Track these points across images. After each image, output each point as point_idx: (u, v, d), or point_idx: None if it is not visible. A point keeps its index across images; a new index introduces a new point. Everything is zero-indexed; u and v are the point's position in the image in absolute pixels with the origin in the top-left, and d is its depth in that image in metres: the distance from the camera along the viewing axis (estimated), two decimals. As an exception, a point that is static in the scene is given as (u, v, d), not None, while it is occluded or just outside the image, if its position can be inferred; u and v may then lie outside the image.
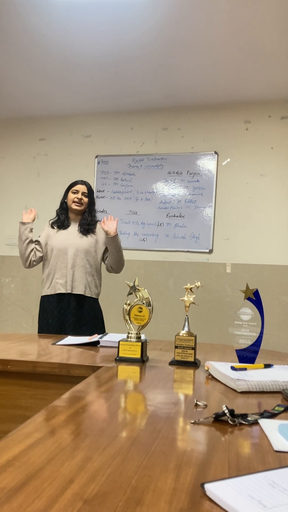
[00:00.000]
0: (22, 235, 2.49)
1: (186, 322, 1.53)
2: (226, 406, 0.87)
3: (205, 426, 0.84)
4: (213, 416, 0.87)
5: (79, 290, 2.42)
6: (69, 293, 2.42)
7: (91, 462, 0.66)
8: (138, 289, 1.59)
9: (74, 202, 2.49)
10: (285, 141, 3.72)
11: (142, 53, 3.09)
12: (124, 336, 1.57)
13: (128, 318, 1.55)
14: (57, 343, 1.82)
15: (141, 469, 0.64)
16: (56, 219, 2.57)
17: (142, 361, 1.48)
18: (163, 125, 4.01)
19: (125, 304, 1.57)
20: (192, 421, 0.86)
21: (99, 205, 4.11)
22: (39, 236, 2.56)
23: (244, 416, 0.89)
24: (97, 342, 1.81)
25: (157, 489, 0.58)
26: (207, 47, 2.98)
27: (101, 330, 2.47)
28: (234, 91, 3.62)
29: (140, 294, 1.58)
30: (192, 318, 1.65)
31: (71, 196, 2.51)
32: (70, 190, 2.52)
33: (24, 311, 4.24)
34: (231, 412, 0.87)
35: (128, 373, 1.36)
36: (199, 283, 1.58)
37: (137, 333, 1.53)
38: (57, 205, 4.32)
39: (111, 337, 1.87)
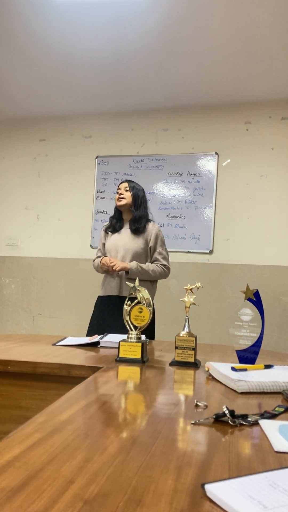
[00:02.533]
0: (99, 269, 2.54)
1: (187, 323, 1.53)
2: (226, 407, 0.87)
3: (206, 427, 0.84)
4: (214, 416, 0.87)
5: (127, 293, 2.42)
6: (118, 295, 2.43)
7: (92, 462, 0.66)
8: (138, 290, 1.59)
9: (118, 200, 2.52)
10: (285, 142, 3.72)
11: (142, 53, 3.09)
12: (124, 336, 1.57)
13: (128, 319, 1.55)
14: (57, 344, 1.82)
15: (141, 469, 0.64)
16: (108, 224, 2.61)
17: (142, 361, 1.48)
18: (164, 125, 4.02)
19: (125, 304, 1.57)
20: (193, 422, 0.86)
21: (99, 206, 4.12)
22: (101, 244, 2.64)
23: (244, 416, 0.89)
24: (98, 343, 1.81)
25: (158, 490, 0.58)
26: (207, 48, 2.98)
27: (150, 335, 2.43)
28: (235, 92, 3.62)
29: (141, 295, 1.58)
30: (192, 318, 1.65)
31: (116, 196, 2.55)
32: (117, 192, 2.57)
33: (24, 312, 4.25)
34: (232, 412, 0.87)
35: (128, 374, 1.36)
36: (199, 283, 1.58)
37: (137, 334, 1.53)
38: (57, 205, 4.34)
39: (111, 338, 1.87)
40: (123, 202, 2.50)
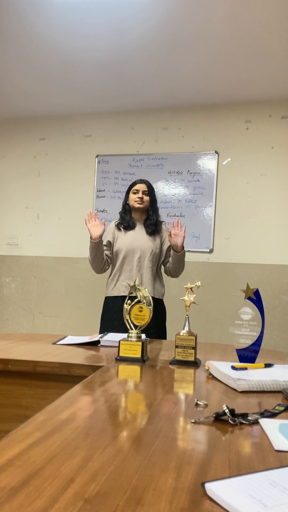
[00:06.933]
0: (96, 253, 2.42)
1: (187, 322, 1.53)
2: (226, 406, 0.87)
3: (206, 426, 0.84)
4: (214, 415, 0.87)
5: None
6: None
7: (92, 461, 0.66)
8: (138, 289, 1.59)
9: (136, 201, 2.46)
10: (285, 141, 3.72)
11: (142, 53, 3.09)
12: (125, 335, 1.57)
13: (128, 318, 1.55)
14: (57, 343, 1.82)
15: (141, 468, 0.64)
16: (121, 220, 2.54)
17: (142, 360, 1.48)
18: (164, 124, 4.01)
19: (126, 303, 1.57)
20: (193, 421, 0.86)
21: (99, 204, 4.12)
22: (105, 240, 2.52)
23: (244, 415, 0.89)
24: (98, 342, 1.81)
25: (158, 489, 0.58)
26: (207, 47, 2.98)
27: (163, 334, 2.44)
28: (235, 91, 3.61)
29: (141, 294, 1.58)
30: (192, 317, 1.65)
31: (132, 196, 2.48)
32: (131, 191, 2.50)
33: (24, 311, 4.25)
34: (232, 411, 0.87)
35: (128, 373, 1.36)
36: (199, 282, 1.58)
37: (137, 333, 1.53)
38: (57, 204, 4.33)
39: (111, 337, 1.87)
40: (143, 205, 2.46)
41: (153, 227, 2.46)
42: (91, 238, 2.37)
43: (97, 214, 2.43)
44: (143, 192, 2.47)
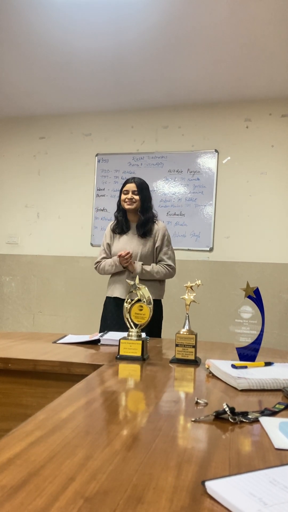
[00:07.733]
0: (117, 269, 2.44)
1: (187, 320, 1.53)
2: (226, 404, 0.87)
3: (206, 424, 0.84)
4: (214, 414, 0.87)
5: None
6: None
7: (92, 460, 0.66)
8: (138, 288, 1.59)
9: (125, 202, 2.44)
10: (285, 139, 3.71)
11: (142, 51, 3.08)
12: (125, 334, 1.57)
13: (128, 317, 1.55)
14: (57, 342, 1.82)
15: (142, 467, 0.64)
16: (115, 223, 2.52)
17: (142, 359, 1.48)
18: (164, 123, 4.01)
19: (126, 302, 1.57)
20: (193, 419, 0.87)
21: (99, 203, 4.12)
22: (105, 243, 2.53)
23: (244, 414, 0.89)
24: (98, 341, 1.81)
25: (158, 487, 0.58)
26: (207, 46, 2.97)
27: (158, 334, 2.44)
28: (235, 89, 3.61)
29: (141, 293, 1.58)
30: (192, 316, 1.65)
31: (122, 197, 2.46)
32: (122, 191, 2.47)
33: (24, 310, 4.25)
34: (232, 410, 0.87)
35: (128, 371, 1.36)
36: (199, 281, 1.58)
37: (137, 332, 1.53)
38: (57, 203, 4.33)
39: (111, 336, 1.87)
40: (133, 206, 2.43)
41: (143, 229, 2.43)
42: (127, 269, 2.38)
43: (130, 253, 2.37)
44: (133, 192, 2.43)
